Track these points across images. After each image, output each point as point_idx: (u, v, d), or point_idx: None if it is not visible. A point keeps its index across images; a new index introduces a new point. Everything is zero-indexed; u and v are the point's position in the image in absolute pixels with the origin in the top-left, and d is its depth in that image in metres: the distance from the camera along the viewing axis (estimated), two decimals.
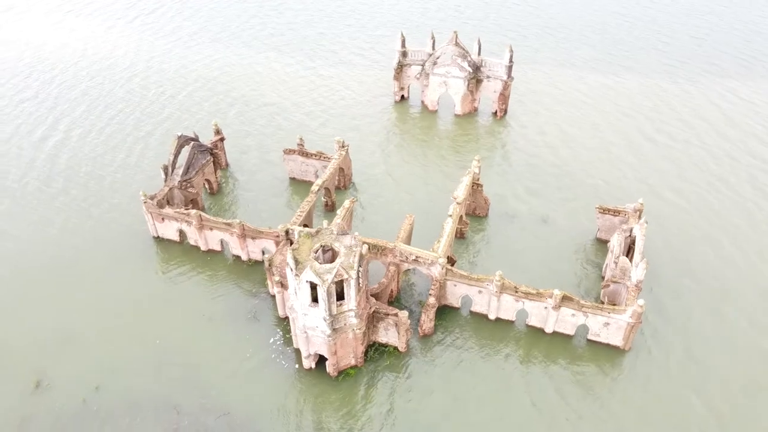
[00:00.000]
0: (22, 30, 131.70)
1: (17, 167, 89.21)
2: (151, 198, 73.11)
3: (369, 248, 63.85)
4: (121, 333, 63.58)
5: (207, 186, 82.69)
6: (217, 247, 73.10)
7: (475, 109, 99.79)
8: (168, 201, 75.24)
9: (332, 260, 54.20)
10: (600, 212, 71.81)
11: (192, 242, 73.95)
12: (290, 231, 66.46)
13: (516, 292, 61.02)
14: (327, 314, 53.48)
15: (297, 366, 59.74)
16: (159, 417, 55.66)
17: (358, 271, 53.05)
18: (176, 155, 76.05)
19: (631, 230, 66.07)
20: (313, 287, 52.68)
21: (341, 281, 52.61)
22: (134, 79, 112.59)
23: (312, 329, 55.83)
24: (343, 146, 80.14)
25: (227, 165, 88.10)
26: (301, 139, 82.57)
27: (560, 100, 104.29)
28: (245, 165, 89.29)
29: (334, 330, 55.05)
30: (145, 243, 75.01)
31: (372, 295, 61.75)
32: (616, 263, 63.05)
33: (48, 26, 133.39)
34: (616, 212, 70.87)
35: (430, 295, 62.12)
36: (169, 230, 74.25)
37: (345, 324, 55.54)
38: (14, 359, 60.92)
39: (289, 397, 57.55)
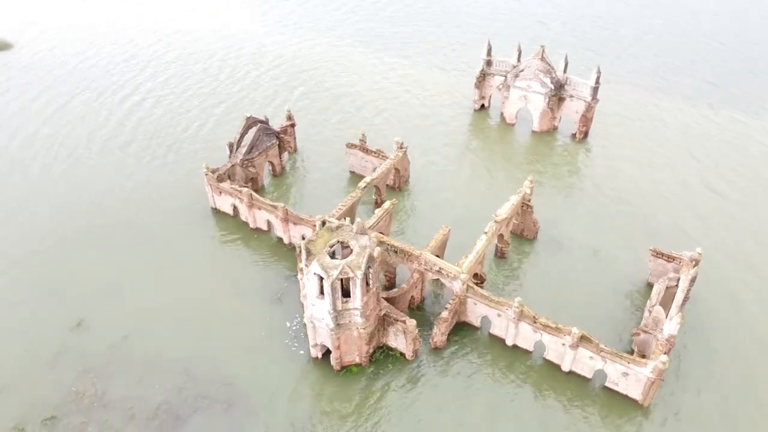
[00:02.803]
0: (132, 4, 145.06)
1: (94, 124, 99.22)
2: (213, 171, 77.79)
3: (396, 252, 64.34)
4: (159, 290, 68.65)
5: (271, 168, 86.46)
6: (264, 227, 76.42)
7: (555, 128, 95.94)
8: (229, 176, 79.68)
9: None
10: (653, 255, 66.73)
11: (243, 218, 77.85)
12: (327, 222, 68.00)
13: (534, 322, 58.53)
14: (331, 308, 54.44)
15: (302, 352, 61.37)
16: (169, 375, 59.45)
17: (367, 272, 53.49)
18: (242, 135, 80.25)
19: (678, 280, 60.95)
20: (321, 280, 53.83)
21: (348, 279, 53.27)
22: (223, 58, 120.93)
23: (318, 320, 57.09)
24: (401, 147, 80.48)
25: (296, 150, 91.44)
26: (363, 135, 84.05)
27: (647, 129, 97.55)
28: (313, 152, 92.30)
29: (338, 325, 55.90)
30: (203, 212, 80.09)
31: (389, 299, 61.94)
32: (650, 312, 58.50)
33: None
34: (670, 258, 65.53)
35: (445, 308, 61.15)
36: (225, 204, 78.63)
37: (350, 321, 56.21)
38: (66, 299, 67.50)
39: (290, 381, 59.12)
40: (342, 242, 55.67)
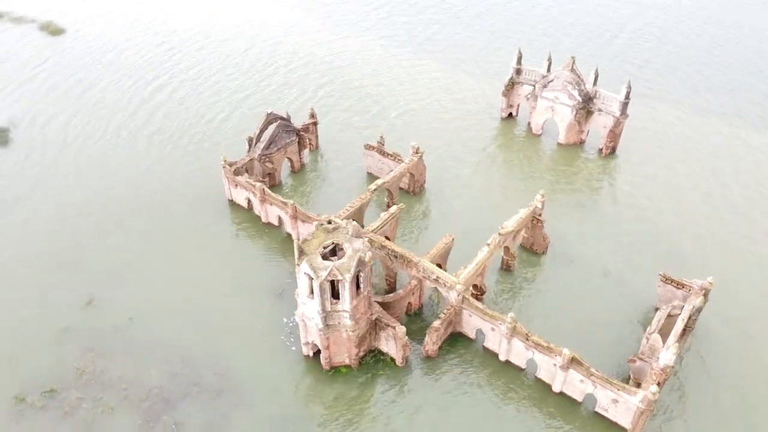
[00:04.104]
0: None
1: (121, 110, 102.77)
2: (231, 165, 79.54)
3: (396, 257, 64.38)
4: (169, 275, 71.03)
5: (290, 164, 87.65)
6: (275, 222, 77.63)
7: (582, 141, 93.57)
8: (247, 170, 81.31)
9: None
10: (662, 280, 64.42)
11: (256, 212, 79.30)
12: (332, 222, 68.56)
13: (527, 339, 57.54)
14: (320, 309, 54.98)
15: (294, 349, 62.19)
16: (166, 360, 61.31)
17: (357, 275, 53.77)
18: (262, 130, 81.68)
19: (682, 308, 58.75)
20: (311, 280, 54.37)
21: (337, 281, 53.66)
22: (249, 51, 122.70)
23: (309, 319, 57.77)
24: (417, 152, 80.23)
25: (317, 148, 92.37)
26: (381, 137, 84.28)
27: (678, 149, 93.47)
28: (334, 151, 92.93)
29: (327, 326, 56.40)
30: (220, 203, 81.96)
31: (384, 304, 62.01)
32: (647, 339, 56.63)
33: None
34: (679, 285, 63.13)
35: (438, 317, 60.80)
36: (240, 197, 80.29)
37: (339, 323, 56.62)
38: (80, 278, 70.51)
39: (280, 376, 60.10)
40: (338, 245, 56.10)
